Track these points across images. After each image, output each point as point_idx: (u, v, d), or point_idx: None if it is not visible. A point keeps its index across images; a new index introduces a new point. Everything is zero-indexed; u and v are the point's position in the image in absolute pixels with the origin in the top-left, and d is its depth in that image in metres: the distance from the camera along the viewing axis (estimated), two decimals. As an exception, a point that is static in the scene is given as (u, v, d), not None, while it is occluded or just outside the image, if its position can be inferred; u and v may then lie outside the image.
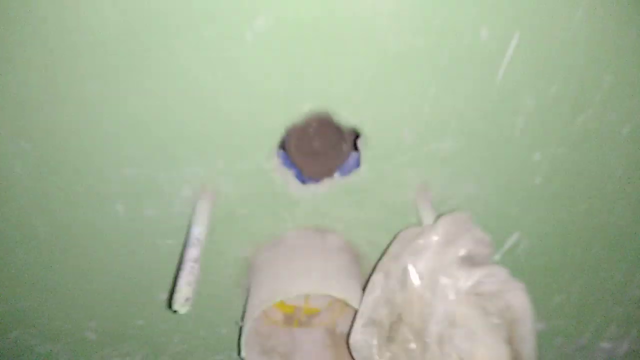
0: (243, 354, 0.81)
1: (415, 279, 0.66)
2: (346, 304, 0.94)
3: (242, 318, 0.85)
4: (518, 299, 0.68)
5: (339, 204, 0.86)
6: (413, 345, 0.65)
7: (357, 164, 0.88)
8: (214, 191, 0.82)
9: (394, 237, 0.77)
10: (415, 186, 0.84)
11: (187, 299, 0.63)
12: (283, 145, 0.83)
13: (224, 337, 1.02)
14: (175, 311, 0.63)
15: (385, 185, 0.84)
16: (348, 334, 0.75)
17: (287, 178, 0.84)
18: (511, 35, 0.70)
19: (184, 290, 0.64)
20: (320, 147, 0.92)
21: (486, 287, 0.66)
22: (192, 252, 0.70)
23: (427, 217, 0.81)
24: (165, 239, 0.87)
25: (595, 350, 1.15)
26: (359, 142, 0.81)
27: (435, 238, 0.68)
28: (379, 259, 0.77)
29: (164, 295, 0.95)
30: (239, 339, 0.82)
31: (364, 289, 0.79)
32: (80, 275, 0.91)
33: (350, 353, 0.86)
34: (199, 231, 0.74)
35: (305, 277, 0.79)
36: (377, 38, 0.68)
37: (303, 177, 0.88)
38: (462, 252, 0.66)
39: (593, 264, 1.00)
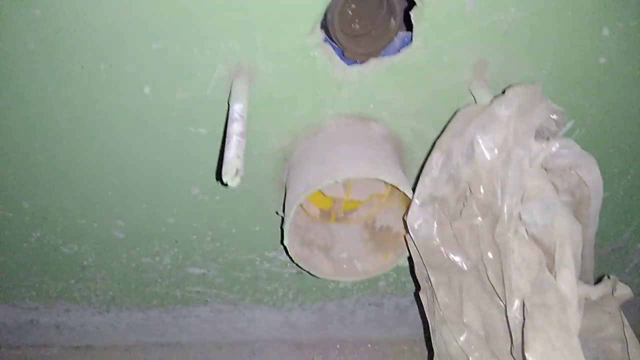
0: (286, 241, 0.78)
1: (485, 151, 0.61)
2: (388, 199, 0.90)
3: (283, 208, 0.80)
4: (592, 174, 0.63)
5: (385, 87, 0.79)
6: (479, 220, 0.61)
7: (406, 42, 0.80)
8: (251, 70, 0.75)
9: (452, 116, 0.71)
10: (470, 65, 0.77)
11: (237, 171, 0.58)
12: (325, 24, 0.75)
13: (257, 235, 0.99)
14: (225, 184, 0.58)
15: (438, 65, 0.77)
16: (404, 217, 0.70)
17: (330, 57, 0.76)
18: None
19: (234, 162, 0.58)
20: (365, 24, 0.83)
21: (560, 161, 0.61)
22: (237, 127, 0.63)
23: (485, 99, 0.74)
24: (198, 127, 0.81)
25: (631, 252, 1.13)
26: (412, 14, 0.72)
27: (506, 111, 0.61)
28: (437, 138, 0.71)
29: (196, 190, 0.90)
30: (281, 227, 0.78)
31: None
32: (104, 170, 0.86)
33: (394, 237, 0.84)
34: (240, 107, 0.67)
35: (352, 162, 0.74)
36: None
37: (346, 59, 0.80)
38: (537, 123, 0.61)
39: (644, 160, 0.95)
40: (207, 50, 0.72)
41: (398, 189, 0.74)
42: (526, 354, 0.50)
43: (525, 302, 0.54)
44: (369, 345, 1.23)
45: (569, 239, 0.55)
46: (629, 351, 0.67)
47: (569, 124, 0.87)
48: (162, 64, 0.73)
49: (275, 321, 1.20)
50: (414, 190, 0.72)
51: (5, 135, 0.80)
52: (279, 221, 0.97)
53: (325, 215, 0.93)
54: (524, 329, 0.53)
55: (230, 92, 0.73)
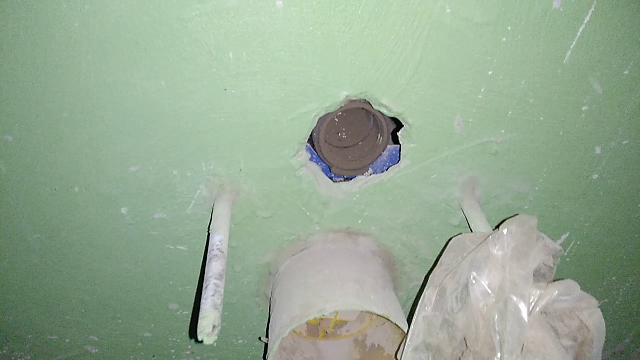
0: (270, 373, 0.72)
1: (480, 297, 0.57)
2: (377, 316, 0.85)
3: (267, 334, 0.75)
4: (593, 317, 0.59)
5: (373, 204, 0.77)
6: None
7: (393, 160, 0.78)
8: (234, 191, 0.72)
9: (445, 246, 0.67)
10: (460, 184, 0.75)
11: (214, 327, 0.53)
12: (311, 139, 0.72)
13: (240, 348, 0.93)
14: (200, 341, 0.53)
15: (427, 183, 0.74)
16: (395, 354, 0.66)
17: (315, 175, 0.74)
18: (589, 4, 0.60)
19: (211, 315, 0.53)
20: (352, 135, 0.82)
21: (560, 305, 0.57)
22: (215, 267, 0.59)
23: (476, 218, 0.72)
24: (177, 245, 0.77)
25: (632, 357, 1.08)
26: (400, 135, 0.71)
27: (501, 251, 0.58)
28: (430, 270, 0.67)
29: (175, 306, 0.85)
30: (264, 357, 0.73)
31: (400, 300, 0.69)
32: (77, 286, 0.81)
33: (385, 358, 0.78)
34: (220, 239, 0.63)
35: (340, 291, 0.70)
36: (428, 8, 0.58)
37: (332, 174, 0.78)
38: (534, 266, 0.57)
39: (643, 266, 0.92)
40: (187, 172, 0.69)
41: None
42: None
43: None
44: None
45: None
46: None
47: (564, 236, 0.84)
48: (141, 185, 0.70)
49: None
50: (408, 322, 0.67)
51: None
52: (263, 334, 0.92)
53: (313, 331, 0.88)
54: None
55: (211, 218, 0.69)
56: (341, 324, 0.88)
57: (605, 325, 1.00)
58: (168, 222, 0.74)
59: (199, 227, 0.75)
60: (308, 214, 0.76)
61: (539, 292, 0.56)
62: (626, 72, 0.67)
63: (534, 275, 0.59)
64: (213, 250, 0.62)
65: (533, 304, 0.55)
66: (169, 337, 0.90)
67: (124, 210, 0.72)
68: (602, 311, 0.97)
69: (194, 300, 0.83)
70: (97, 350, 0.91)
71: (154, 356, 0.93)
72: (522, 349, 0.54)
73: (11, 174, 0.67)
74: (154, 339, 0.90)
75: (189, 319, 0.87)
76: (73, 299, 0.82)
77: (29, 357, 0.90)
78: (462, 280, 0.59)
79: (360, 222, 0.79)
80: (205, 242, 0.77)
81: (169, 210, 0.73)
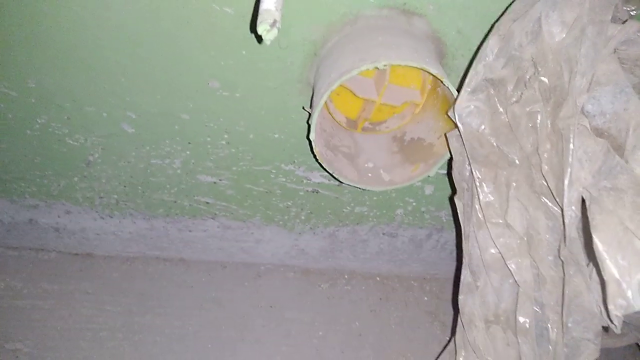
0: (312, 135, 0.71)
1: (553, 30, 0.54)
2: (420, 110, 0.84)
3: (312, 101, 0.74)
4: (668, 69, 0.56)
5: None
6: (540, 106, 0.55)
7: None
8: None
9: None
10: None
11: (275, 22, 0.51)
12: None
13: (275, 144, 0.92)
14: (259, 38, 0.51)
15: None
16: (453, 107, 0.63)
17: None
18: None
19: (272, 11, 0.51)
20: None
21: (635, 50, 0.54)
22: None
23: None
24: (224, 5, 0.73)
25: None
26: None
27: (580, -15, 0.54)
28: (496, 21, 0.63)
29: (216, 84, 0.83)
30: (308, 122, 0.72)
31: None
32: (117, 46, 0.78)
33: (423, 149, 0.78)
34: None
35: (394, 49, 0.67)
36: None
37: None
38: (616, 2, 0.53)
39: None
40: None
41: (441, 83, 0.67)
42: (594, 236, 0.45)
43: (588, 191, 0.49)
44: (378, 279, 1.19)
45: (644, 125, 0.49)
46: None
47: None
48: None
49: (284, 244, 1.16)
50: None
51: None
52: (300, 131, 0.91)
53: (352, 124, 0.87)
54: (589, 213, 0.47)
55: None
56: (379, 122, 0.87)
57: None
58: (216, -27, 0.70)
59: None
60: (363, -20, 0.71)
61: (616, 27, 0.52)
62: None
63: (616, 18, 0.55)
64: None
65: (609, 38, 0.52)
66: (205, 123, 0.90)
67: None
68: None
69: (236, 78, 0.81)
70: (133, 130, 0.91)
71: (189, 143, 0.93)
72: (592, 80, 0.52)
73: None
74: (190, 122, 0.89)
75: (229, 101, 0.86)
76: (113, 62, 0.80)
77: (66, 130, 0.91)
78: (534, 17, 0.55)
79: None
80: (253, 4, 0.73)
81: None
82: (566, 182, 0.50)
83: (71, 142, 0.93)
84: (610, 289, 0.43)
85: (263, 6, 0.51)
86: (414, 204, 1.06)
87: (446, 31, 0.78)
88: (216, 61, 0.80)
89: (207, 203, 1.05)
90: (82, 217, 1.09)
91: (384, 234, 1.13)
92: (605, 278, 0.44)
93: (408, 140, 0.84)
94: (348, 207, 1.07)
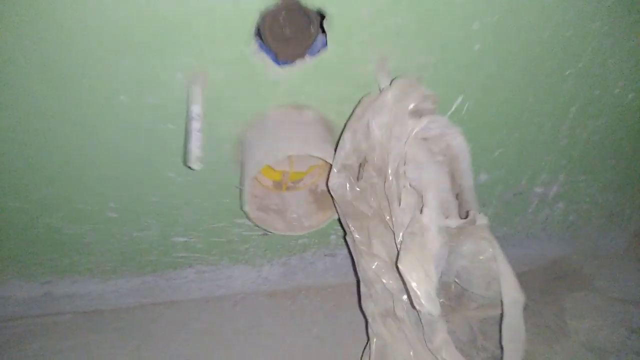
0: (245, 207, 1.01)
1: (375, 130, 0.84)
2: (324, 169, 1.14)
3: (240, 183, 1.03)
4: (456, 139, 0.87)
5: (312, 82, 1.01)
6: (376, 180, 0.85)
7: (325, 45, 1.02)
8: (204, 77, 0.96)
9: (358, 103, 0.93)
10: (374, 60, 0.99)
11: (197, 157, 0.80)
12: (259, 34, 0.95)
13: (226, 206, 1.22)
14: (190, 168, 0.81)
15: (350, 61, 0.99)
16: (327, 182, 0.94)
17: (265, 62, 0.98)
18: None
19: (195, 151, 0.80)
20: (291, 32, 1.04)
21: (431, 132, 0.85)
22: (195, 124, 0.86)
23: (386, 85, 0.97)
24: (167, 124, 1.02)
25: (530, 195, 1.40)
26: (325, 24, 0.94)
27: (389, 96, 0.84)
28: (347, 121, 0.94)
29: (172, 174, 1.12)
30: (240, 198, 1.01)
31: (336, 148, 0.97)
32: (96, 163, 1.07)
33: (330, 198, 1.08)
34: (197, 107, 0.89)
35: (290, 142, 0.97)
36: None
37: (279, 61, 1.02)
38: (411, 105, 0.84)
39: (526, 120, 1.20)
40: (167, 63, 0.93)
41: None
42: (399, 265, 0.75)
43: (402, 234, 0.79)
44: (329, 289, 1.50)
45: (433, 186, 0.79)
46: (498, 265, 0.92)
47: (460, 99, 1.11)
48: (133, 77, 0.93)
49: (251, 276, 1.45)
50: (336, 160, 0.95)
51: (7, 132, 1.01)
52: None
53: (277, 185, 1.16)
54: (399, 250, 0.78)
55: (188, 96, 0.94)
56: (299, 180, 1.17)
57: (503, 171, 1.30)
58: (157, 106, 0.99)
59: (181, 109, 1.00)
60: (262, 93, 1.01)
61: (413, 122, 0.83)
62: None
63: (417, 114, 0.86)
64: (192, 114, 0.87)
65: (409, 130, 0.83)
66: (170, 201, 1.19)
67: (122, 98, 0.97)
68: (499, 159, 1.28)
69: (185, 168, 1.10)
70: (116, 215, 1.20)
71: (161, 216, 1.22)
72: (404, 159, 0.82)
73: (31, 76, 0.91)
74: (159, 202, 1.18)
75: (185, 184, 1.15)
76: (95, 174, 1.09)
77: (64, 224, 1.19)
78: (365, 122, 0.86)
79: (303, 97, 1.04)
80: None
81: (156, 95, 0.97)
82: (395, 228, 0.81)
83: (69, 231, 1.21)
84: (412, 295, 0.74)
85: (189, 149, 0.81)
86: (342, 231, 1.36)
87: (329, 114, 1.08)
88: (169, 159, 1.09)
89: (183, 257, 1.34)
90: (87, 283, 1.36)
91: (325, 255, 1.44)
92: (408, 288, 0.74)
93: (319, 192, 1.14)
94: (293, 241, 1.37)
